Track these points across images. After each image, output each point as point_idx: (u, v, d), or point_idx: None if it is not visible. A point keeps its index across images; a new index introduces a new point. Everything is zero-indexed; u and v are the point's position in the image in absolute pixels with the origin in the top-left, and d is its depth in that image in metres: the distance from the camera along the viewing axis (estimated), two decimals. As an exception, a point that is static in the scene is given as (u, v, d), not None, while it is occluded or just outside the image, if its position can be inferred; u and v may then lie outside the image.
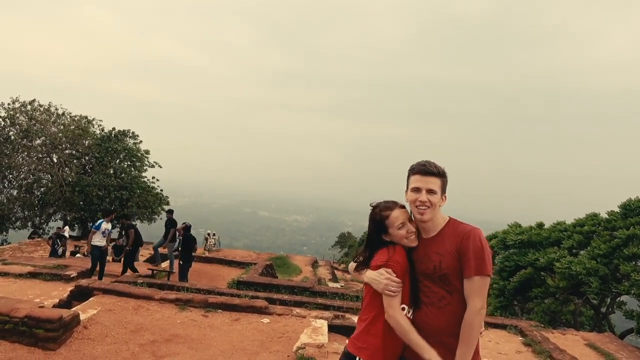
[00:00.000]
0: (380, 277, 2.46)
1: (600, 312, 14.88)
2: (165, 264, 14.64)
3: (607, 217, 15.08)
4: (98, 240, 11.21)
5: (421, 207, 2.43)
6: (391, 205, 2.54)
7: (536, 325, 9.93)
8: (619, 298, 14.43)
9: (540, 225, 17.08)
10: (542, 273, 15.12)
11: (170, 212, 15.24)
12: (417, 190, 2.45)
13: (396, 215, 2.50)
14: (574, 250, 14.94)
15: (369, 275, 2.54)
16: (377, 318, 2.48)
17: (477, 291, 2.36)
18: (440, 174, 2.47)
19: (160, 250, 14.97)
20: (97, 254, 11.27)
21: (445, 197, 2.50)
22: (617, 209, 14.96)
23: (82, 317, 5.98)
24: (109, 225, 11.60)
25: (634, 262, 12.83)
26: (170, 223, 14.41)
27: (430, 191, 2.43)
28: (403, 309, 2.45)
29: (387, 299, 2.43)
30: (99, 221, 11.59)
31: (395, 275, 2.43)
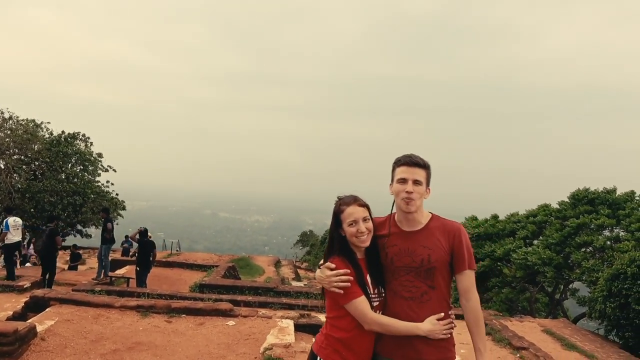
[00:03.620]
0: (323, 274, 2.46)
1: (555, 298, 15.51)
2: (121, 271, 14.22)
3: (558, 207, 15.73)
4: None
5: (407, 198, 2.42)
6: (349, 200, 2.49)
7: (495, 314, 10.25)
8: (571, 285, 15.09)
9: (495, 217, 17.65)
10: (499, 263, 15.62)
11: (105, 210, 14.61)
12: (403, 181, 2.44)
13: (350, 211, 2.44)
14: (528, 240, 15.52)
15: (315, 275, 2.54)
16: (339, 317, 2.45)
17: (473, 284, 2.49)
18: (426, 166, 2.49)
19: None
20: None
21: (429, 189, 2.51)
22: (566, 199, 15.65)
23: (39, 328, 5.75)
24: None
25: (584, 250, 13.45)
26: (106, 222, 13.55)
27: (416, 182, 2.43)
28: None
29: (357, 306, 2.37)
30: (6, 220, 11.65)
31: (338, 267, 2.41)
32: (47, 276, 11.23)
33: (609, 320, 9.92)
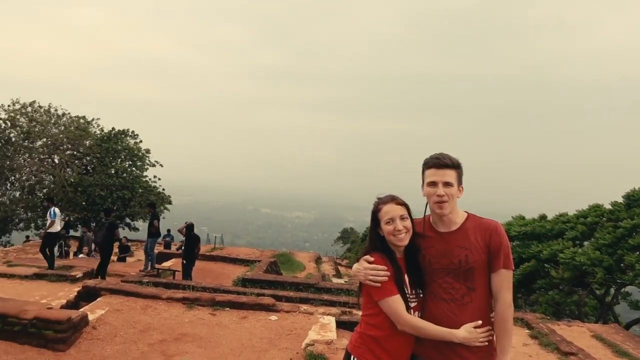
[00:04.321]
0: (360, 267, 2.45)
1: (605, 302, 14.90)
2: (168, 264, 14.62)
3: (611, 207, 15.07)
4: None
5: (439, 201, 2.40)
6: (387, 199, 2.49)
7: (542, 318, 9.94)
8: (623, 289, 14.44)
9: (543, 217, 17.10)
10: (546, 265, 15.13)
11: (152, 205, 14.69)
12: (433, 184, 2.41)
13: (387, 210, 2.44)
14: (577, 242, 14.95)
15: (353, 268, 2.54)
16: (374, 315, 2.44)
17: (506, 285, 2.39)
18: (455, 166, 2.44)
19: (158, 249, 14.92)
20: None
21: (462, 188, 2.47)
22: (620, 200, 14.97)
23: (91, 317, 5.99)
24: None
25: (638, 253, 12.84)
26: (153, 217, 13.75)
27: (446, 184, 2.39)
28: None
29: (391, 308, 2.36)
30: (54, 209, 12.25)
31: (376, 263, 2.40)
32: (99, 266, 11.67)
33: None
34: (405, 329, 2.37)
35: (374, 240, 2.51)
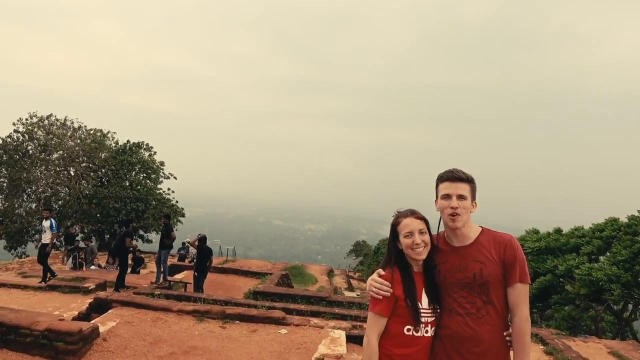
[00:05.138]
0: (370, 279, 2.52)
1: (623, 318, 14.60)
2: (179, 276, 14.66)
3: (628, 221, 14.81)
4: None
5: (453, 214, 2.43)
6: (406, 213, 2.52)
7: (557, 333, 9.76)
8: (641, 304, 14.14)
9: (558, 231, 16.85)
10: (562, 279, 14.89)
11: (167, 216, 14.71)
12: (447, 197, 2.45)
13: (406, 223, 2.47)
14: (593, 256, 14.70)
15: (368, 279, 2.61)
16: (385, 332, 2.45)
17: (523, 299, 2.40)
18: (469, 180, 2.48)
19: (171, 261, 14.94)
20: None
21: (475, 203, 2.51)
22: (637, 213, 14.71)
23: (102, 329, 6.02)
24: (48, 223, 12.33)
25: (656, 268, 12.58)
26: (166, 229, 13.73)
27: (460, 197, 2.43)
28: (408, 330, 2.42)
29: (371, 319, 2.46)
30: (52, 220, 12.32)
31: (384, 279, 2.46)
32: (118, 276, 11.83)
33: (684, 345, 9.21)
34: (364, 340, 2.45)
35: (392, 253, 2.55)
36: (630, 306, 14.23)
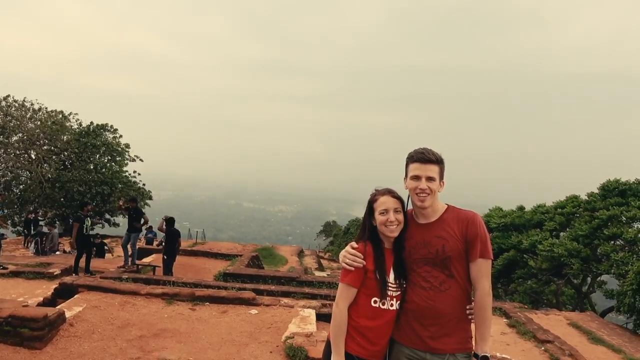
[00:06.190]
0: (344, 251, 2.60)
1: (582, 291, 15.22)
2: (148, 259, 14.47)
3: (587, 198, 15.35)
4: None
5: (421, 195, 2.49)
6: (384, 191, 2.60)
7: (520, 307, 10.12)
8: (599, 278, 14.77)
9: (521, 209, 17.36)
10: (525, 255, 15.38)
11: (134, 200, 14.15)
12: (416, 178, 2.50)
13: (382, 201, 2.54)
14: (555, 232, 15.22)
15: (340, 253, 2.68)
16: (353, 304, 2.54)
17: (484, 274, 2.48)
18: (439, 161, 2.54)
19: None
20: None
21: (443, 182, 2.57)
22: (596, 190, 15.26)
23: (68, 314, 5.91)
24: None
25: (613, 242, 13.12)
26: (136, 213, 13.17)
27: (429, 178, 2.49)
28: (375, 301, 2.51)
29: (342, 289, 2.54)
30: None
31: (357, 251, 2.53)
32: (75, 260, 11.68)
33: (638, 314, 9.69)
34: (334, 310, 2.56)
35: (366, 228, 2.62)
36: (588, 279, 14.84)
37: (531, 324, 7.97)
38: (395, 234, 2.54)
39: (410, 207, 2.66)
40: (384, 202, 2.54)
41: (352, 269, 2.50)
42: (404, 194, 2.62)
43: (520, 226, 16.01)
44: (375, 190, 2.64)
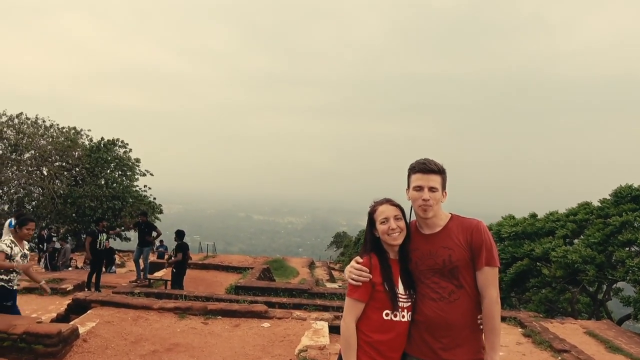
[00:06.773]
0: (349, 267, 2.56)
1: (597, 299, 15.00)
2: (159, 273, 14.52)
3: (600, 205, 15.19)
4: None
5: (424, 205, 2.47)
6: (382, 201, 2.60)
7: (535, 316, 9.98)
8: (615, 285, 14.54)
9: (533, 216, 17.19)
10: (538, 263, 15.20)
11: (144, 214, 14.10)
12: (419, 188, 2.49)
13: (382, 210, 2.54)
14: (568, 240, 15.05)
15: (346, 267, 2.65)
16: (365, 318, 2.50)
17: (491, 282, 2.45)
18: (441, 171, 2.52)
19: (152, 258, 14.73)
20: None
21: (445, 193, 2.55)
22: (608, 197, 15.09)
23: (81, 330, 5.93)
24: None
25: (628, 248, 12.94)
26: (147, 227, 13.11)
27: (432, 189, 2.47)
28: (387, 314, 2.48)
29: (349, 305, 2.50)
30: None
31: (363, 265, 2.50)
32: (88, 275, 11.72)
33: (656, 322, 9.52)
34: (341, 325, 2.52)
35: (368, 241, 2.61)
36: (604, 287, 14.61)
37: (547, 334, 7.85)
38: (399, 242, 2.52)
39: (413, 218, 2.65)
40: (383, 210, 2.53)
41: (359, 284, 2.47)
42: (406, 204, 2.61)
43: (532, 234, 15.84)
44: (374, 202, 2.64)
